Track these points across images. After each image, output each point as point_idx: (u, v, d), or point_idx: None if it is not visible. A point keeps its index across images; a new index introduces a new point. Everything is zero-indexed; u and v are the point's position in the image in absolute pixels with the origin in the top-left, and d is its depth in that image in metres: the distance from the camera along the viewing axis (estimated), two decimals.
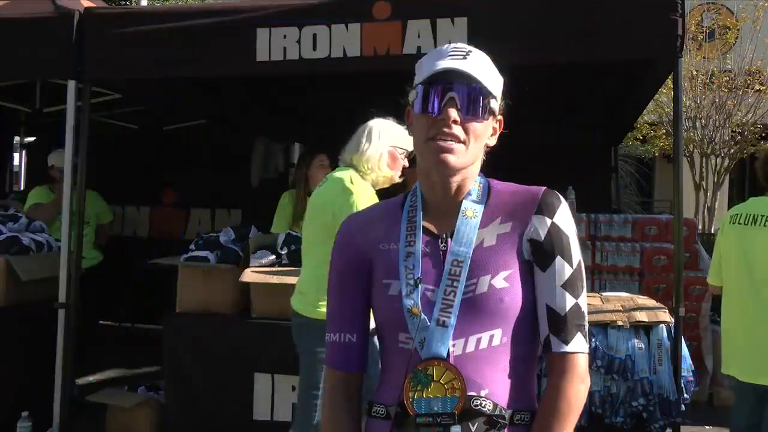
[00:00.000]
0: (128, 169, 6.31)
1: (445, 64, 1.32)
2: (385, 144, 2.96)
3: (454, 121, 1.32)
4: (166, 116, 6.11)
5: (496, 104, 1.38)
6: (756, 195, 3.39)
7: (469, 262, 1.33)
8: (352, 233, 1.48)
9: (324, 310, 2.54)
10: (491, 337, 1.31)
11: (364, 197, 2.79)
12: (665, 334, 3.20)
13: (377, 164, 2.94)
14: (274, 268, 3.63)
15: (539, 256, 1.35)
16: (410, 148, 3.04)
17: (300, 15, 3.38)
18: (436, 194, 1.41)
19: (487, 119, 1.37)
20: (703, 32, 10.17)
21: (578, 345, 1.32)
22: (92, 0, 4.08)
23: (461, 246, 1.35)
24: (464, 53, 1.35)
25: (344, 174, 2.89)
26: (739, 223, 3.28)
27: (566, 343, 1.32)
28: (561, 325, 1.32)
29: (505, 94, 1.44)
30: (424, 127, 1.34)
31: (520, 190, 1.42)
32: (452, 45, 1.39)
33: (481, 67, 1.35)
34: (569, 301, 1.33)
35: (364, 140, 2.95)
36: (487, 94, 1.34)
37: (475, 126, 1.34)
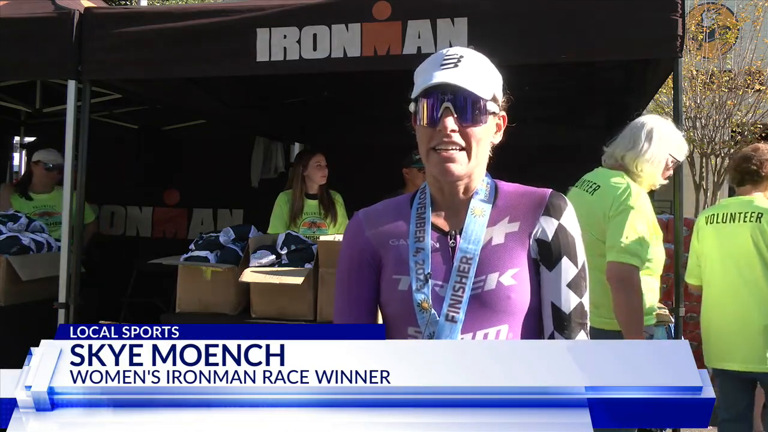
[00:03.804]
0: (129, 170, 6.30)
1: (437, 76, 1.35)
2: (665, 150, 2.80)
3: (453, 131, 1.35)
4: (166, 116, 6.10)
5: (494, 104, 1.40)
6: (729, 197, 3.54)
7: (477, 259, 1.37)
8: (361, 229, 1.50)
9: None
10: (498, 332, 1.35)
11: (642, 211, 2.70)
12: (665, 334, 3.20)
13: (654, 169, 2.81)
14: (274, 268, 3.62)
15: (546, 255, 1.40)
16: (681, 158, 2.88)
17: (300, 15, 3.38)
18: (444, 194, 1.45)
19: (487, 121, 1.39)
20: (703, 32, 10.19)
21: None
22: (92, 0, 4.07)
23: (470, 243, 1.39)
24: (455, 60, 1.37)
25: (620, 181, 2.77)
26: (717, 222, 3.34)
27: (570, 339, 1.37)
28: (565, 322, 1.38)
29: (506, 89, 1.45)
30: (426, 138, 1.39)
31: (527, 191, 1.46)
32: (445, 53, 1.40)
33: (473, 72, 1.37)
34: (573, 300, 1.38)
35: (643, 139, 2.78)
36: (481, 98, 1.36)
37: (474, 131, 1.37)
